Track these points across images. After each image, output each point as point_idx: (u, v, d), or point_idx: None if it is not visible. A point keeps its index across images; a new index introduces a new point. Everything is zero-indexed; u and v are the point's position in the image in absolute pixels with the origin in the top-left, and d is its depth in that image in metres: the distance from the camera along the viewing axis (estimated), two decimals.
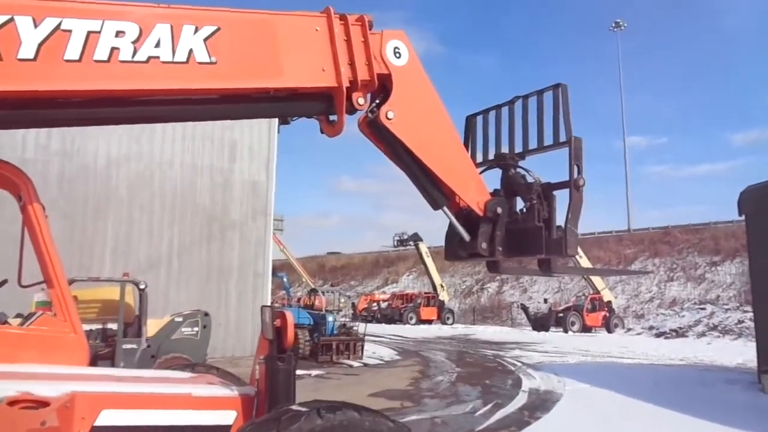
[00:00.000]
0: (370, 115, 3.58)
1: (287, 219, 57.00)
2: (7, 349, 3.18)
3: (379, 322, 39.34)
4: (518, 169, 4.00)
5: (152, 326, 10.53)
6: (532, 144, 3.94)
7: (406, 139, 3.58)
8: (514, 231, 3.79)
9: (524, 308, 35.84)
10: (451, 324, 38.91)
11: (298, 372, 10.12)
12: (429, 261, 40.61)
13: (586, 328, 31.68)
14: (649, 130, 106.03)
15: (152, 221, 14.98)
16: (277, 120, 16.39)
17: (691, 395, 10.77)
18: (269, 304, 25.76)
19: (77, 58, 2.90)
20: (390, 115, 3.50)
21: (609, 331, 31.82)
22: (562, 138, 3.70)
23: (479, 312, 43.71)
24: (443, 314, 39.87)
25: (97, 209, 14.30)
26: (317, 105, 3.56)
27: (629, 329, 32.17)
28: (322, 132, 3.91)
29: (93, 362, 9.65)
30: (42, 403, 2.55)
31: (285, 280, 38.05)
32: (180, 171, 15.44)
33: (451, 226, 3.90)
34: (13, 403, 2.48)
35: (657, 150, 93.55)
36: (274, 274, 45.05)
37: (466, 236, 3.81)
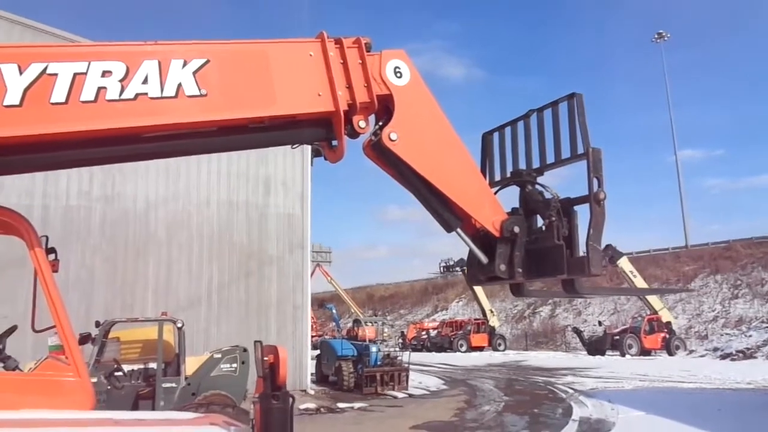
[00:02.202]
0: (373, 138, 3.50)
1: (335, 251, 57.47)
2: (12, 395, 3.16)
3: (429, 350, 38.76)
4: (536, 186, 3.82)
5: (192, 364, 10.56)
6: (550, 158, 3.76)
7: (411, 160, 3.47)
8: (533, 251, 3.60)
9: (578, 332, 34.60)
10: (503, 350, 37.93)
11: (341, 405, 9.98)
12: (477, 287, 39.92)
13: (644, 351, 30.25)
14: (703, 143, 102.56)
15: (191, 260, 15.25)
16: (310, 152, 16.59)
17: (759, 424, 9.99)
18: (312, 334, 25.68)
19: (64, 100, 2.91)
20: (393, 136, 3.41)
21: (670, 353, 30.27)
22: (580, 150, 3.52)
23: (532, 337, 42.46)
24: (494, 340, 38.95)
25: (137, 251, 14.68)
26: (317, 131, 3.50)
27: (692, 351, 30.51)
28: (325, 158, 3.84)
29: (135, 402, 9.77)
30: None
31: (334, 311, 38.17)
32: (216, 209, 15.74)
33: (470, 248, 3.74)
34: None
35: (714, 162, 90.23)
36: (323, 306, 45.33)
37: (484, 259, 3.65)
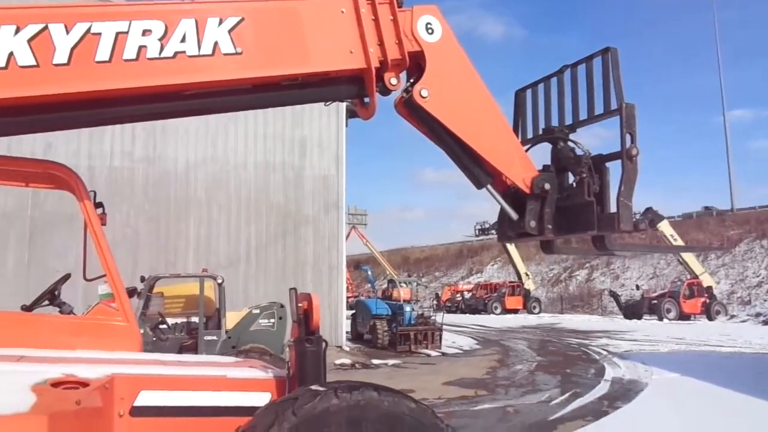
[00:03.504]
0: (404, 95, 3.51)
1: (371, 214, 57.84)
2: (67, 337, 3.39)
3: (463, 312, 39.11)
4: (568, 143, 3.81)
5: (232, 319, 10.99)
6: (583, 115, 3.74)
7: (442, 117, 3.49)
8: (564, 208, 3.61)
9: (614, 295, 34.27)
10: (538, 313, 37.95)
11: (376, 361, 10.25)
12: (512, 249, 39.73)
13: (683, 316, 29.84)
14: (752, 103, 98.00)
15: (230, 220, 15.68)
16: (345, 113, 16.62)
17: None
18: (348, 295, 26.13)
19: (107, 59, 3.03)
20: (424, 93, 3.42)
21: (709, 318, 29.79)
22: (614, 106, 3.49)
23: (567, 300, 42.30)
24: (529, 303, 38.97)
25: (179, 211, 15.16)
26: (349, 88, 3.53)
27: (733, 316, 29.96)
28: (357, 115, 3.91)
29: (179, 353, 10.25)
30: (82, 384, 2.71)
31: (369, 273, 38.64)
32: (253, 170, 16.03)
33: (501, 205, 3.77)
34: (56, 384, 2.65)
35: (762, 123, 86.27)
36: (358, 267, 46.00)
37: (514, 215, 3.67)
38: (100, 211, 4.05)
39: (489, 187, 3.65)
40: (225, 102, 3.56)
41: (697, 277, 31.35)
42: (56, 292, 4.10)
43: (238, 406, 2.92)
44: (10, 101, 2.81)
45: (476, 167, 3.59)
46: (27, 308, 3.88)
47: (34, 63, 2.82)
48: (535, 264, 46.64)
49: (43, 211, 13.79)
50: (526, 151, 3.83)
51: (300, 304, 3.12)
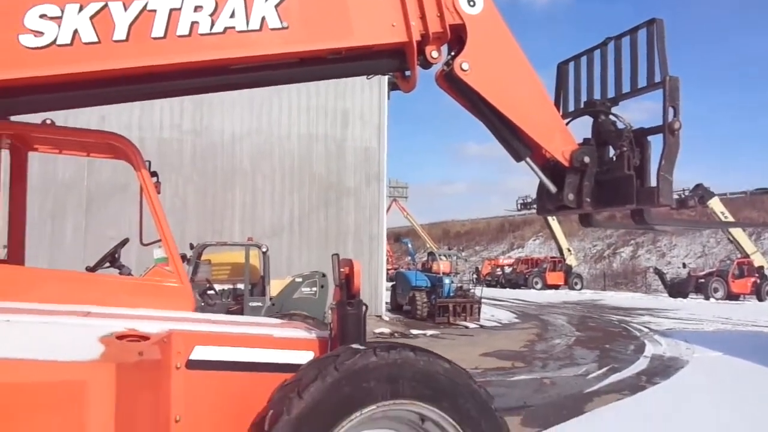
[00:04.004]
0: (445, 68, 3.56)
1: (412, 187, 57.84)
2: (127, 296, 3.65)
3: (503, 287, 39.02)
4: (609, 116, 3.81)
5: (275, 286, 11.37)
6: (626, 88, 3.72)
7: (483, 90, 3.52)
8: (603, 181, 3.63)
9: (659, 273, 33.52)
10: (579, 289, 37.51)
11: (414, 331, 10.45)
12: (555, 224, 39.19)
13: (731, 296, 29.00)
14: None
15: (274, 191, 16.08)
16: (386, 86, 16.62)
17: None
18: (388, 267, 26.37)
19: (162, 35, 3.20)
20: (464, 66, 3.45)
21: (759, 299, 28.88)
22: (657, 79, 3.47)
23: (611, 277, 41.63)
24: (570, 279, 38.50)
25: (225, 181, 15.64)
26: (391, 61, 3.59)
27: None
28: (396, 88, 4.00)
29: None
30: (144, 338, 2.95)
31: (410, 245, 38.81)
32: (297, 142, 16.32)
33: (540, 178, 3.82)
34: (120, 337, 2.90)
35: None
36: (399, 240, 46.19)
37: (553, 188, 3.71)
38: (154, 180, 4.29)
39: (528, 160, 3.68)
40: (271, 76, 3.69)
41: (748, 256, 30.32)
42: (116, 255, 4.39)
43: (284, 363, 3.11)
44: (75, 76, 2.99)
45: (515, 140, 3.62)
46: (91, 269, 4.18)
47: (96, 39, 2.98)
48: (578, 240, 45.95)
49: (98, 181, 14.43)
50: (567, 124, 3.84)
51: (342, 269, 3.28)
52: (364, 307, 3.27)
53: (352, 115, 16.72)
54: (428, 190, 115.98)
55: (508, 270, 42.09)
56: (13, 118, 3.54)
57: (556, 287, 37.63)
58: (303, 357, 3.17)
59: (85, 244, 13.85)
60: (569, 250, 39.80)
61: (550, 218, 39.71)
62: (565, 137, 3.68)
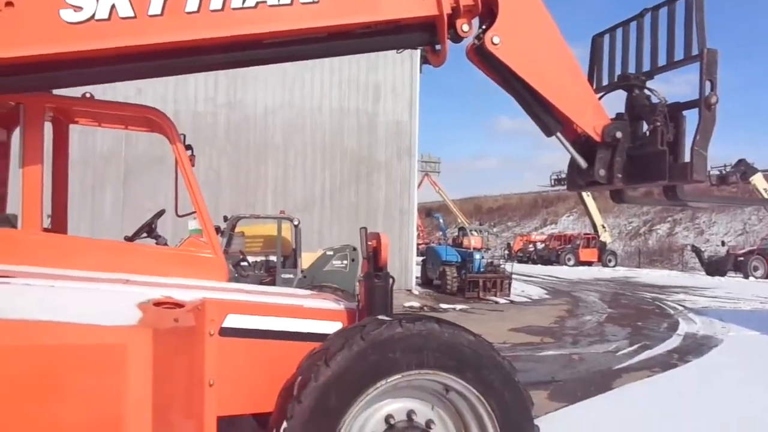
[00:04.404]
0: (476, 42, 3.53)
1: (444, 162, 57.49)
2: (163, 266, 3.78)
3: (534, 263, 38.76)
4: (644, 90, 3.73)
5: (307, 259, 11.56)
6: (662, 61, 3.64)
7: (513, 64, 3.49)
8: (636, 156, 3.58)
9: (696, 250, 32.74)
10: (613, 266, 37.00)
11: (444, 305, 10.52)
12: (589, 200, 38.56)
13: None
14: None
15: (305, 164, 16.23)
16: (419, 59, 16.46)
17: None
18: (420, 242, 26.38)
19: (196, 9, 3.24)
20: (495, 40, 3.41)
21: None
22: (695, 51, 3.38)
23: (646, 255, 40.88)
24: (604, 256, 37.98)
25: (258, 155, 15.85)
26: (421, 35, 3.57)
27: None
28: (428, 62, 3.98)
29: None
30: (179, 305, 3.07)
31: (441, 221, 38.77)
32: (328, 115, 16.37)
33: (570, 153, 3.78)
34: (157, 303, 3.02)
35: None
36: (430, 215, 46.03)
37: (583, 163, 3.68)
38: (189, 153, 4.39)
39: (559, 135, 3.64)
40: (302, 50, 3.71)
41: None
42: (153, 226, 4.53)
43: (312, 333, 3.21)
44: (112, 51, 3.06)
45: (546, 115, 3.58)
46: (129, 239, 4.33)
47: (132, 14, 3.04)
48: (613, 216, 45.16)
49: (135, 154, 14.77)
50: (600, 99, 3.78)
51: (370, 242, 3.34)
52: (391, 280, 3.33)
53: (383, 89, 16.65)
54: (461, 165, 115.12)
55: (540, 246, 41.74)
56: (54, 92, 3.67)
57: (589, 264, 37.18)
58: (331, 327, 3.25)
59: (123, 216, 14.26)
60: (604, 227, 39.18)
61: (584, 194, 39.06)
62: (597, 112, 3.63)
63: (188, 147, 4.31)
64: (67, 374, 2.42)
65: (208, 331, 3.10)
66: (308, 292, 4.14)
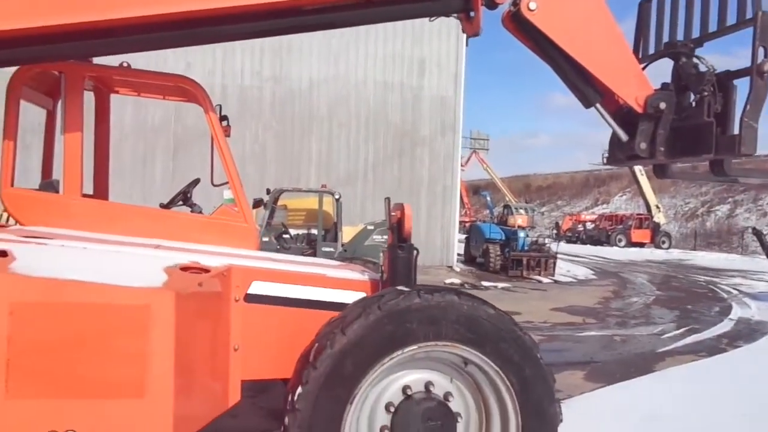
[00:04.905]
0: (512, 8, 3.43)
1: (493, 139, 56.53)
2: (194, 233, 3.86)
3: (583, 243, 37.90)
4: (692, 58, 3.54)
5: (348, 233, 11.63)
6: (712, 27, 3.44)
7: (550, 31, 3.37)
8: (680, 128, 3.41)
9: (757, 233, 30.98)
10: (667, 248, 35.72)
11: (485, 283, 10.44)
12: (643, 180, 37.23)
13: None
14: None
15: (349, 138, 16.25)
16: (465, 33, 16.12)
17: None
18: (466, 220, 26.12)
19: None
20: (532, 6, 3.30)
21: None
22: (749, 15, 3.18)
23: (703, 237, 39.30)
24: (658, 237, 36.68)
25: (302, 128, 15.96)
26: (455, 2, 3.49)
27: None
28: (463, 31, 3.88)
29: None
30: (205, 270, 3.13)
31: (488, 199, 38.36)
32: (372, 89, 16.29)
33: (611, 126, 3.64)
34: (184, 268, 3.09)
35: None
36: (477, 193, 45.45)
37: (624, 136, 3.54)
38: (225, 123, 4.44)
39: (598, 106, 3.51)
40: (337, 18, 3.65)
41: None
42: (188, 194, 4.62)
43: (334, 302, 3.23)
44: (150, 18, 3.05)
45: (586, 85, 3.45)
46: (164, 206, 4.44)
47: None
48: (669, 196, 43.56)
49: (184, 126, 15.13)
50: (645, 68, 3.61)
51: (394, 213, 3.31)
52: (414, 251, 3.30)
53: (428, 63, 16.42)
54: (510, 142, 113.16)
55: (590, 226, 40.73)
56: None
57: (641, 245, 36.02)
58: (353, 297, 3.26)
59: (172, 186, 14.66)
60: (658, 207, 37.84)
61: (638, 173, 37.75)
62: (639, 82, 3.47)
63: (224, 117, 4.35)
64: (91, 331, 2.51)
65: (233, 296, 3.16)
66: (336, 263, 4.16)
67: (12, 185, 3.51)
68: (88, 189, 3.99)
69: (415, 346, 2.66)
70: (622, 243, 36.34)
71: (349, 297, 3.25)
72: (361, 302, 2.84)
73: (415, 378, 2.86)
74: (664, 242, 36.62)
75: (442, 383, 2.89)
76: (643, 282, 16.80)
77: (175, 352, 2.63)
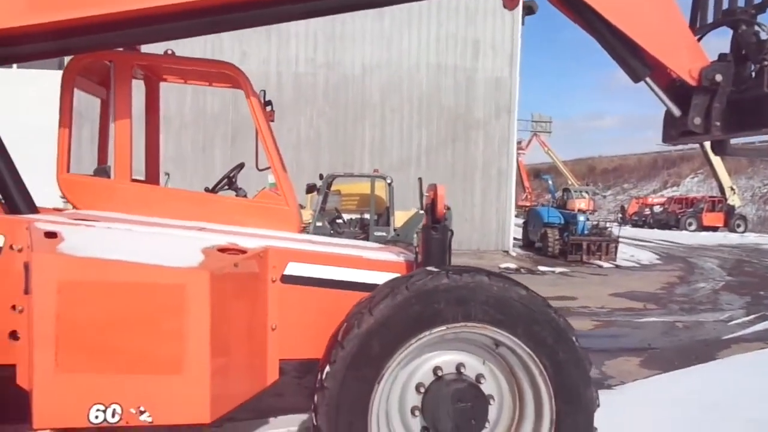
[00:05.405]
0: None
1: (556, 122, 54.94)
2: (240, 216, 3.96)
3: (651, 227, 36.39)
4: (753, 26, 3.32)
5: (400, 217, 11.62)
6: None
7: (596, 2, 3.24)
8: (738, 101, 3.21)
9: None
10: (742, 232, 33.76)
11: (542, 268, 10.24)
12: (716, 160, 35.20)
13: None
14: None
15: (402, 123, 16.17)
16: (521, 12, 15.66)
17: None
18: (527, 204, 25.42)
19: None
20: None
21: None
22: None
23: None
24: (732, 221, 34.70)
25: (355, 114, 16.02)
26: None
27: None
28: (504, 6, 3.77)
29: None
30: (242, 251, 3.20)
31: (550, 182, 37.45)
32: (426, 73, 16.12)
33: (663, 101, 3.48)
34: (222, 249, 3.18)
35: None
36: (539, 176, 44.46)
37: (676, 111, 3.38)
38: (269, 109, 4.50)
39: (648, 80, 3.35)
40: None
41: None
42: (233, 179, 4.74)
43: (369, 283, 3.23)
44: (193, 5, 3.11)
45: (634, 58, 3.30)
46: (210, 190, 4.57)
47: None
48: (745, 177, 41.09)
49: (241, 114, 15.49)
50: (700, 38, 3.41)
51: (427, 194, 3.28)
52: (449, 233, 3.25)
53: (483, 44, 16.08)
54: (575, 125, 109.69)
55: (657, 209, 39.00)
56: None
57: (713, 229, 34.20)
58: (387, 278, 3.26)
59: None
60: (732, 189, 35.75)
61: (710, 153, 35.68)
62: (693, 53, 3.28)
63: (268, 103, 4.41)
64: (131, 309, 2.63)
65: (270, 277, 3.22)
66: (376, 245, 4.16)
67: (68, 171, 3.70)
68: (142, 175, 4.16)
69: (443, 327, 2.64)
70: (693, 227, 34.62)
71: (384, 278, 3.25)
72: (390, 283, 2.83)
73: (446, 359, 2.84)
74: (739, 226, 34.62)
75: (474, 365, 2.85)
76: (712, 267, 15.99)
77: (211, 330, 2.71)
